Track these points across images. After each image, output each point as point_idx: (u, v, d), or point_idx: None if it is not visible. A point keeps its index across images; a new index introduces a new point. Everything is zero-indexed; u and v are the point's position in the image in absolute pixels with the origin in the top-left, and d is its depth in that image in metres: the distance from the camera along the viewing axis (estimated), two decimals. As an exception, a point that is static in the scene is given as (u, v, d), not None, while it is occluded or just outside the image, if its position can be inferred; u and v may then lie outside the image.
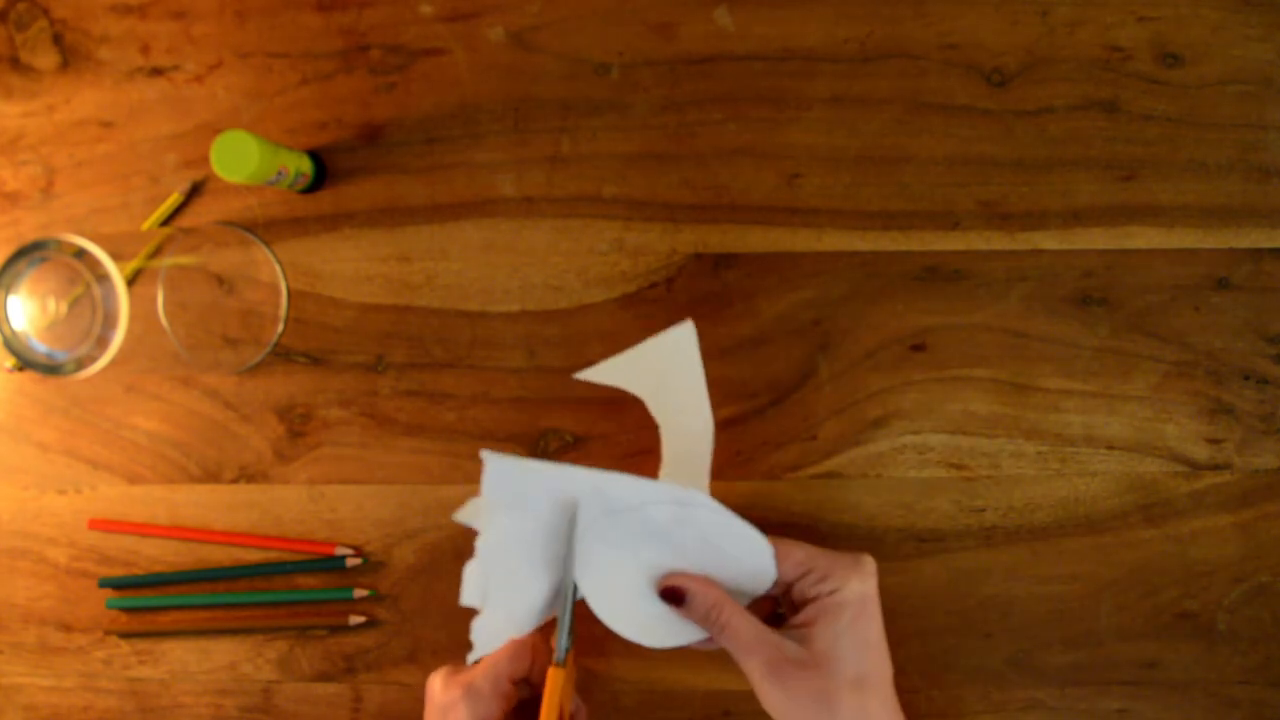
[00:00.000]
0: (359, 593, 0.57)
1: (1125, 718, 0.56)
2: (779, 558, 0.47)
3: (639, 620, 0.49)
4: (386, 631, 0.58)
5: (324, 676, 0.58)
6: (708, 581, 0.47)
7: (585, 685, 0.57)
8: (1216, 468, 0.56)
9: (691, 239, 0.57)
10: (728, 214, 0.57)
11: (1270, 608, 0.56)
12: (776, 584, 0.48)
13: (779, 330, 0.56)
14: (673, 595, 0.47)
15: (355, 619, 0.57)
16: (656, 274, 0.57)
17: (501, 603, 0.49)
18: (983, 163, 0.56)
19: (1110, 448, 0.56)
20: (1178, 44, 0.56)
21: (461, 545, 0.57)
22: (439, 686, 0.48)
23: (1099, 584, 0.56)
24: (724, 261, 0.57)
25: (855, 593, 0.44)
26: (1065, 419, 0.56)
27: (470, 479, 0.57)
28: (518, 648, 0.49)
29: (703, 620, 0.46)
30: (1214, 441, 0.56)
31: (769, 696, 0.44)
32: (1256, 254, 0.56)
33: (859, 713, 0.43)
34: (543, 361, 0.57)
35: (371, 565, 0.58)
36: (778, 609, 0.50)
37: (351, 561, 0.57)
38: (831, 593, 0.45)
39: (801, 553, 0.46)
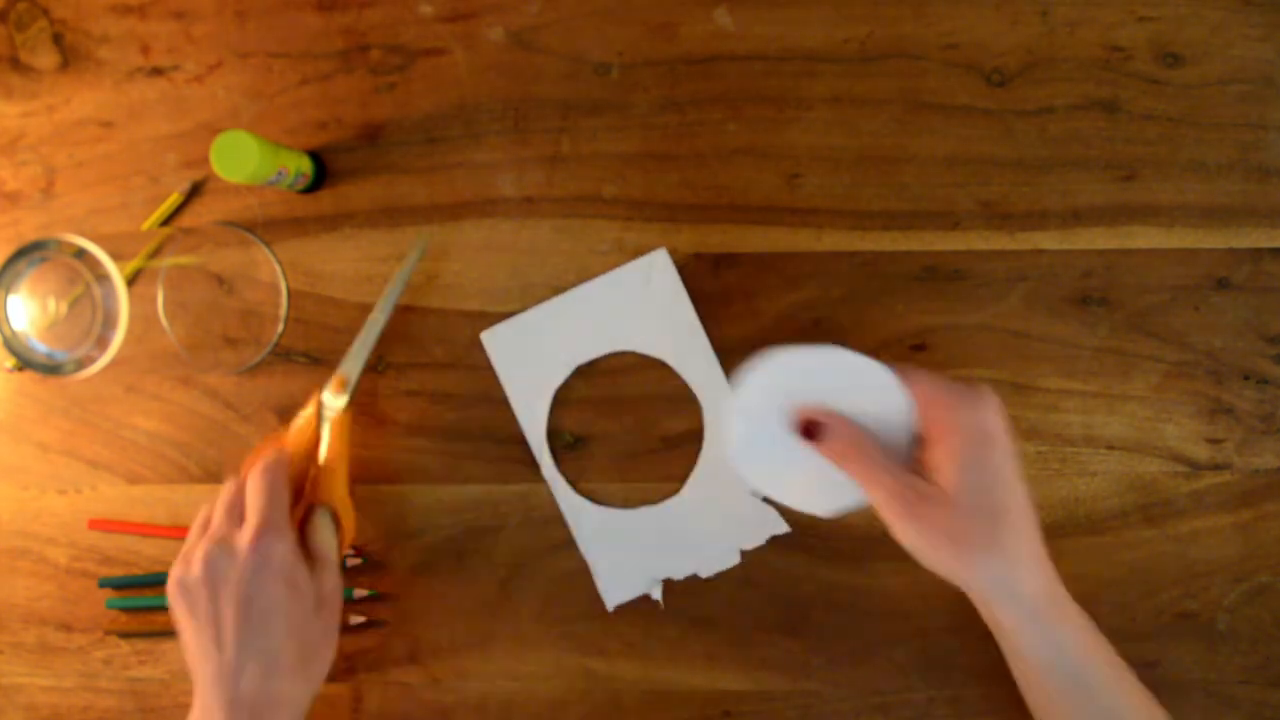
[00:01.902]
0: (359, 593, 0.57)
1: (1125, 718, 0.56)
2: (911, 382, 0.46)
3: (798, 490, 0.49)
4: (386, 631, 0.57)
5: (324, 676, 0.58)
6: (844, 419, 0.46)
7: (585, 685, 0.57)
8: (1216, 468, 0.56)
9: (691, 239, 0.57)
10: (728, 214, 0.57)
11: (1270, 608, 0.56)
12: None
13: (779, 330, 0.56)
14: (809, 429, 0.46)
15: (355, 619, 0.57)
16: (656, 274, 0.57)
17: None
18: (983, 163, 0.56)
19: (1110, 448, 0.56)
20: (1178, 44, 0.56)
21: (461, 545, 0.57)
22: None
23: (1099, 584, 0.56)
24: (724, 261, 0.57)
25: (973, 422, 0.43)
26: (1065, 419, 0.56)
27: (470, 479, 0.57)
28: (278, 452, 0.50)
29: (840, 456, 0.45)
30: (1214, 441, 0.56)
31: (903, 534, 0.43)
32: (1256, 254, 0.56)
33: (989, 544, 0.41)
34: (543, 361, 0.57)
35: (371, 565, 0.58)
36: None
37: (351, 562, 0.57)
38: (954, 426, 0.43)
39: (932, 381, 0.45)
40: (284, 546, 0.47)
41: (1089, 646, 0.44)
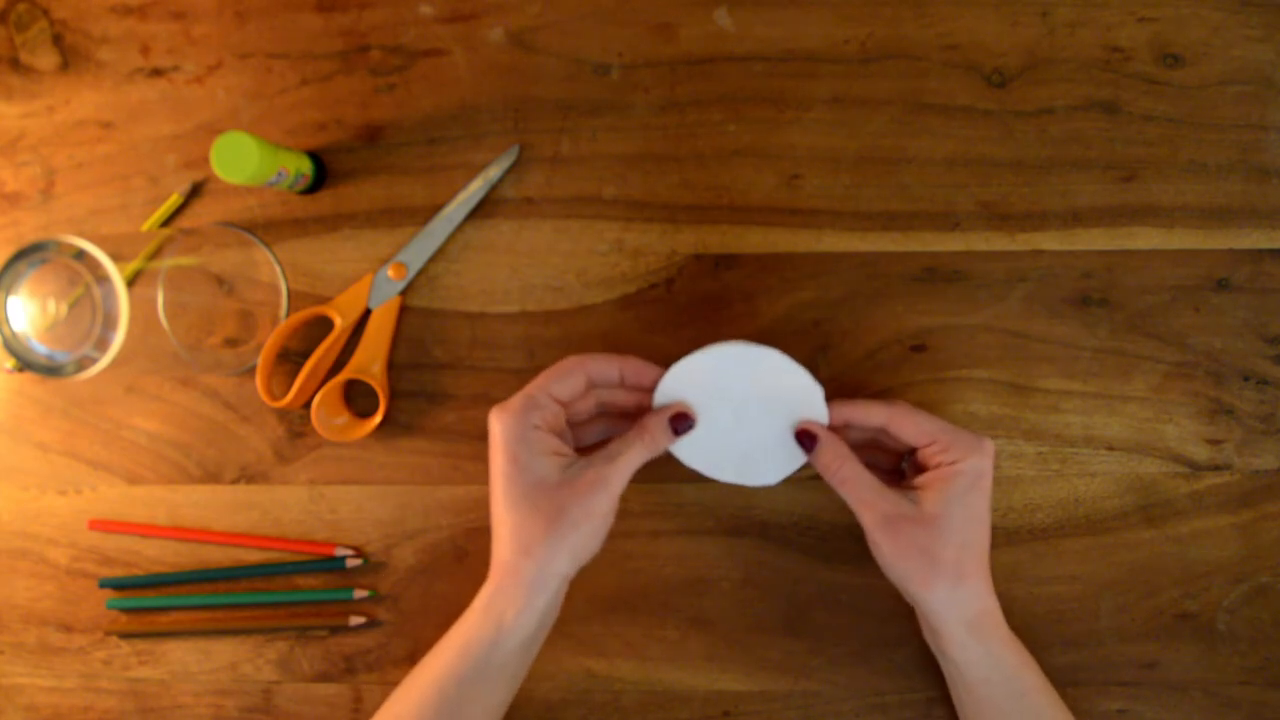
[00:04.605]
0: (359, 593, 0.57)
1: (1125, 718, 0.56)
2: (910, 424, 0.49)
3: (733, 463, 0.51)
4: (386, 632, 0.58)
5: (324, 677, 0.58)
6: (834, 435, 0.49)
7: (585, 685, 0.57)
8: (1216, 468, 0.56)
9: (691, 240, 0.57)
10: (728, 214, 0.57)
11: (1270, 608, 0.56)
12: (903, 444, 0.50)
13: (779, 331, 0.56)
14: (806, 438, 0.49)
15: (355, 619, 0.57)
16: (656, 275, 0.57)
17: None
18: (983, 163, 0.56)
19: (1110, 448, 0.56)
20: (1178, 44, 0.56)
21: (462, 545, 0.57)
22: (493, 416, 0.48)
23: (1099, 584, 0.56)
24: (724, 262, 0.57)
25: (973, 467, 0.47)
26: (1065, 420, 0.56)
27: (470, 479, 0.57)
28: (567, 370, 0.49)
29: (826, 468, 0.49)
30: (1214, 442, 0.56)
31: (879, 545, 0.48)
32: (1257, 255, 0.56)
33: (955, 571, 0.47)
34: (543, 362, 0.57)
35: (371, 566, 0.58)
36: (900, 465, 0.53)
37: (351, 562, 0.57)
38: (952, 463, 0.48)
39: (930, 424, 0.49)
40: (501, 423, 0.48)
41: (1022, 662, 0.49)
